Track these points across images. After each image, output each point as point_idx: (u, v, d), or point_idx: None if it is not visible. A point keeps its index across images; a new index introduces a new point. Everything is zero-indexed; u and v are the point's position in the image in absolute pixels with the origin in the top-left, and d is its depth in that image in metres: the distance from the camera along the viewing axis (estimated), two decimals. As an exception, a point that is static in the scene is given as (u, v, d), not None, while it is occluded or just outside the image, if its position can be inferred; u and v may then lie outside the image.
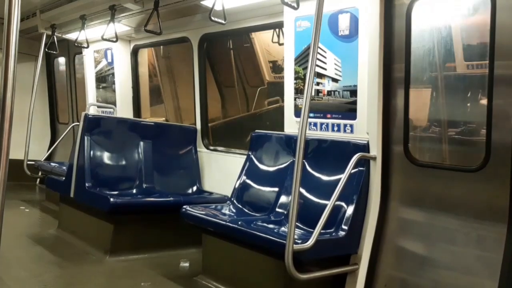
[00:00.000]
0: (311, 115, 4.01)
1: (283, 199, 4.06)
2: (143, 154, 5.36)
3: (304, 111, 3.01)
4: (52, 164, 7.34)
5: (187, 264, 4.47)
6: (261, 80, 7.36)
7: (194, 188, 5.45)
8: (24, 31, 7.37)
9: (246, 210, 4.28)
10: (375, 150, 3.49)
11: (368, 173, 3.52)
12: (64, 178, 5.28)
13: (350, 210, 3.46)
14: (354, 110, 3.77)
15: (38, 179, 8.19)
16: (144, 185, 5.21)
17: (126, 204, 4.65)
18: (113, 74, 7.04)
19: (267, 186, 4.29)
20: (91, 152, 5.07)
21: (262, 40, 7.22)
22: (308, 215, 3.57)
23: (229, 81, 7.74)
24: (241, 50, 7.55)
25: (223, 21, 4.57)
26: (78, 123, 5.49)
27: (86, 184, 4.89)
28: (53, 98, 9.24)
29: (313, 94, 4.02)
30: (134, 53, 6.94)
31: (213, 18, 4.50)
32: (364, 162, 3.53)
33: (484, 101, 3.03)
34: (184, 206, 4.16)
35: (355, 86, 3.77)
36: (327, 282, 3.51)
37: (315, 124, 4.05)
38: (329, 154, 3.85)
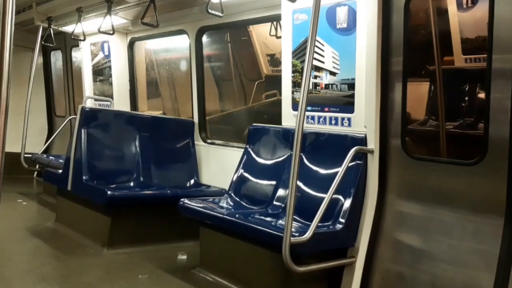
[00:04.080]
0: (309, 108, 4.00)
1: (280, 192, 4.07)
2: (140, 147, 5.35)
3: (302, 104, 3.00)
4: (49, 157, 7.32)
5: (184, 257, 4.48)
6: (258, 74, 7.34)
7: (192, 181, 5.45)
8: (20, 23, 7.32)
9: (244, 203, 4.29)
10: (373, 144, 3.49)
11: (365, 167, 3.52)
12: (61, 171, 5.27)
13: (347, 203, 3.47)
14: (352, 104, 3.77)
15: (35, 172, 8.18)
16: (142, 178, 5.21)
17: (124, 197, 4.65)
18: (110, 67, 7.01)
19: (265, 179, 4.29)
20: (88, 145, 5.06)
21: (259, 33, 7.19)
22: (305, 208, 3.58)
23: (227, 74, 7.71)
24: (239, 44, 7.52)
25: (220, 14, 4.55)
26: (75, 116, 5.48)
27: (83, 177, 4.89)
28: (50, 91, 9.20)
29: (310, 87, 4.01)
30: (131, 46, 6.91)
31: (210, 10, 4.47)
32: (362, 156, 3.53)
33: (481, 95, 3.03)
34: (182, 199, 4.17)
35: (353, 79, 3.76)
36: (324, 274, 3.52)
37: (312, 118, 4.05)
38: (327, 147, 3.85)
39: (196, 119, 5.79)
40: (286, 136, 4.23)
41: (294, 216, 3.08)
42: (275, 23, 6.16)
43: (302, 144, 3.06)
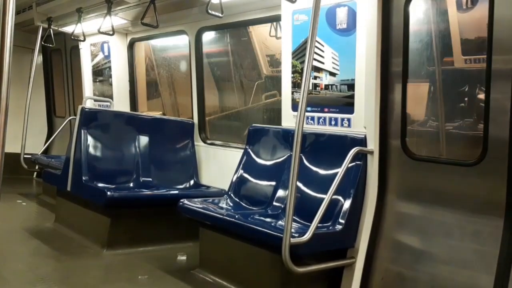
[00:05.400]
0: (309, 109, 4.00)
1: (280, 193, 4.07)
2: (140, 148, 5.35)
3: (302, 105, 3.00)
4: (49, 157, 7.32)
5: (184, 258, 4.48)
6: (258, 74, 7.34)
7: (191, 182, 5.45)
8: (20, 24, 7.32)
9: (243, 204, 4.29)
10: (373, 144, 3.49)
11: (365, 167, 3.52)
12: (61, 172, 5.27)
13: (347, 204, 3.46)
14: (352, 104, 3.77)
15: (35, 173, 8.18)
16: (141, 179, 5.21)
17: (123, 198, 4.65)
18: (110, 67, 7.02)
19: (265, 180, 4.29)
20: (88, 146, 5.06)
21: (259, 34, 7.19)
22: (305, 209, 3.58)
23: (227, 75, 7.71)
24: (239, 44, 7.52)
25: (220, 15, 4.55)
26: (75, 117, 5.48)
27: (83, 178, 4.89)
28: (50, 91, 9.20)
29: (310, 88, 4.01)
30: (131, 47, 6.91)
31: (210, 11, 4.48)
32: (362, 156, 3.53)
33: (481, 96, 3.03)
34: (182, 200, 4.17)
35: (353, 80, 3.76)
36: (324, 275, 3.52)
37: (312, 118, 4.05)
38: (326, 148, 3.85)
39: (196, 119, 5.79)
40: (286, 137, 4.23)
41: (293, 217, 3.08)
42: (275, 23, 6.16)
43: (302, 145, 3.06)
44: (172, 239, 4.80)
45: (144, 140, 5.39)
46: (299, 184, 3.76)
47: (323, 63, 3.96)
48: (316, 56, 3.93)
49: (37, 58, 7.35)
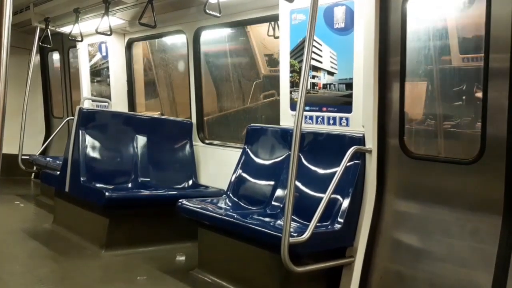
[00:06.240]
0: (307, 108, 4.01)
1: (279, 192, 4.07)
2: (138, 148, 5.34)
3: (300, 104, 3.00)
4: (47, 158, 7.31)
5: (183, 258, 4.48)
6: (256, 74, 7.33)
7: (190, 182, 5.44)
8: (18, 24, 7.32)
9: (242, 204, 4.29)
10: (371, 143, 3.49)
11: (363, 166, 3.52)
12: (59, 173, 5.26)
13: (345, 203, 3.47)
14: (350, 103, 3.77)
15: (33, 174, 8.16)
16: (140, 179, 5.20)
17: (122, 198, 4.64)
18: (107, 67, 7.01)
19: (263, 179, 4.29)
20: (86, 146, 5.05)
21: (257, 34, 7.18)
22: (304, 208, 3.58)
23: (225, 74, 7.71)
24: (237, 44, 7.52)
25: (218, 14, 4.55)
26: (72, 117, 5.47)
27: (81, 179, 4.88)
28: (48, 92, 9.19)
29: (308, 87, 4.01)
30: (129, 47, 6.91)
31: (208, 11, 4.47)
32: (360, 155, 3.53)
33: (479, 94, 3.04)
34: (180, 200, 4.16)
35: (351, 79, 3.76)
36: (323, 274, 3.52)
37: (310, 118, 4.05)
38: (325, 147, 3.85)
39: (194, 119, 5.79)
40: (284, 136, 4.23)
41: (292, 216, 3.08)
42: (273, 23, 6.16)
43: (300, 144, 3.06)
44: (170, 239, 4.79)
45: (142, 140, 5.39)
46: (298, 184, 3.76)
47: (321, 62, 3.96)
48: (314, 56, 3.94)
49: (35, 59, 7.33)
